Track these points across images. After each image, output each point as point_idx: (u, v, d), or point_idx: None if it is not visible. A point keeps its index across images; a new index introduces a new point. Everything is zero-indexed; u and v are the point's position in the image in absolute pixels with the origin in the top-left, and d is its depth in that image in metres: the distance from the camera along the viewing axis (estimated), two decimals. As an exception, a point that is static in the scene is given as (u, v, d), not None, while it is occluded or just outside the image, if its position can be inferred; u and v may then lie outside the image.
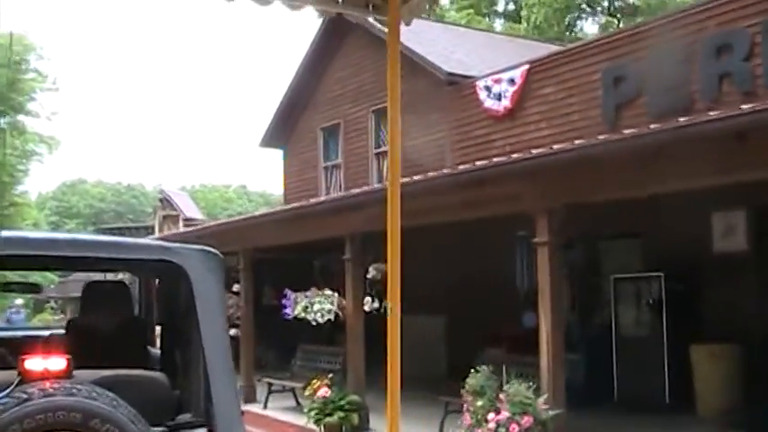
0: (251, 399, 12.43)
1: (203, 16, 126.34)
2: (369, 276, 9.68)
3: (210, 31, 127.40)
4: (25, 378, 2.97)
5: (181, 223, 26.24)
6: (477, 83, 13.80)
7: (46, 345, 3.40)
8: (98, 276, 6.03)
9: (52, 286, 36.12)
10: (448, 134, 14.49)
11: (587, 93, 11.89)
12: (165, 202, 30.26)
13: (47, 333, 4.78)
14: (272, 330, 14.35)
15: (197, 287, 3.49)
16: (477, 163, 8.23)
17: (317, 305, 9.56)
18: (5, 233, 3.55)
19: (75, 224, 62.01)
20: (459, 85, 14.25)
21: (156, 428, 3.20)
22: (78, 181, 70.02)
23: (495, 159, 8.10)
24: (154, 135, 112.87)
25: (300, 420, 10.46)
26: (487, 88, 13.60)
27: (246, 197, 73.65)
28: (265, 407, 11.75)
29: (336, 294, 9.74)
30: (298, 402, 11.66)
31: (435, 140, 14.69)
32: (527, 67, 13.06)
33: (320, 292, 9.75)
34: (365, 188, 9.53)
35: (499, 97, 13.35)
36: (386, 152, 16.10)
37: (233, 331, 13.72)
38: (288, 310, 10.13)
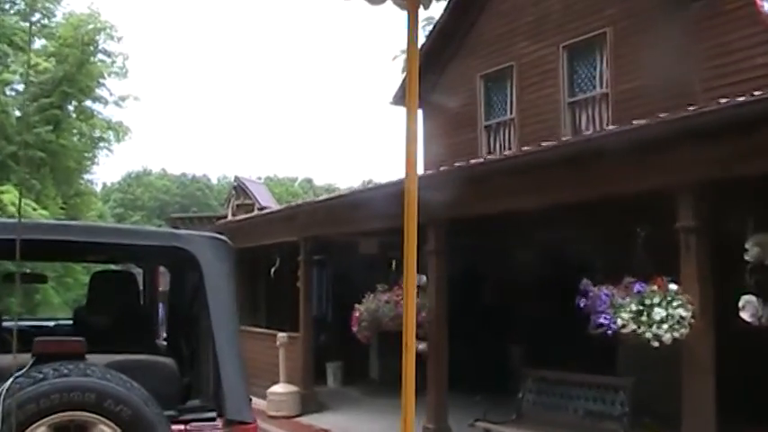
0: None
1: (278, 10, 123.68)
2: (748, 258, 5.38)
3: (291, 24, 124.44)
4: (40, 359, 2.96)
5: (255, 213, 24.06)
6: (755, -13, 9.50)
7: (55, 334, 3.31)
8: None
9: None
10: (696, 63, 10.19)
11: None
12: (240, 190, 28.50)
13: (51, 324, 5.00)
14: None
15: (207, 274, 3.53)
16: None
17: (657, 310, 5.19)
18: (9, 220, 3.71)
19: (139, 216, 60.70)
20: (718, -5, 9.97)
21: (166, 411, 3.13)
22: (143, 173, 68.54)
23: None
24: (221, 125, 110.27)
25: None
26: (774, -8, 9.29)
27: (312, 191, 71.62)
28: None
29: (682, 292, 5.33)
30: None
31: (676, 73, 10.43)
32: None
33: (655, 289, 5.37)
34: (740, 98, 5.24)
35: (800, 3, 9.05)
36: (585, 100, 11.92)
37: (417, 346, 9.56)
38: (602, 319, 5.66)
